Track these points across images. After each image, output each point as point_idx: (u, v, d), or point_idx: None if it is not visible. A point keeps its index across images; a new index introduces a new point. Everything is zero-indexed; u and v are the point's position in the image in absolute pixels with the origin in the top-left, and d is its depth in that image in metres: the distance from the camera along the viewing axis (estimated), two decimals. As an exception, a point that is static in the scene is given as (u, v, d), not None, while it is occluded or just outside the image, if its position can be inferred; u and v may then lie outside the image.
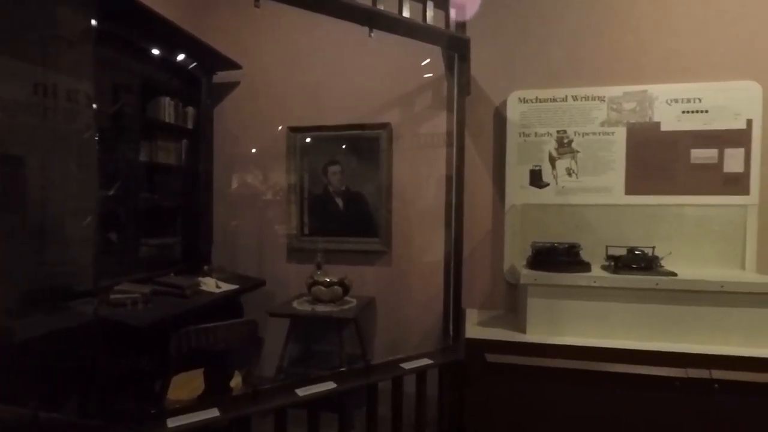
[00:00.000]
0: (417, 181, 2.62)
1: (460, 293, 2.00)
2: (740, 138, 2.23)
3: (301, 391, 1.43)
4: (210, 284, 2.35)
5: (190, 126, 2.66)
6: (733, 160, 2.23)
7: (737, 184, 2.23)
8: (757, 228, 2.22)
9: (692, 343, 1.92)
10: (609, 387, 1.92)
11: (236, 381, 1.94)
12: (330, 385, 1.47)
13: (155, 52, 2.30)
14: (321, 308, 2.41)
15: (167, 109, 2.47)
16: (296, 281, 2.72)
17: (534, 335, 2.06)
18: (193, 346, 1.75)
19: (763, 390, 1.80)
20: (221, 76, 2.82)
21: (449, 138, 1.95)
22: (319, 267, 2.59)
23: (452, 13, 1.72)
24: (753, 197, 2.22)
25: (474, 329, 2.18)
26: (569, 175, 2.39)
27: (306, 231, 2.79)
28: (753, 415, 1.82)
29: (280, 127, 2.79)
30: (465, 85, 1.95)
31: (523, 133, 2.44)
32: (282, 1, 1.46)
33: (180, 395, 1.86)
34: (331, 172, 2.73)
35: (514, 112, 2.45)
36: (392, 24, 1.57)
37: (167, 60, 2.40)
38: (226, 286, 2.40)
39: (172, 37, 2.30)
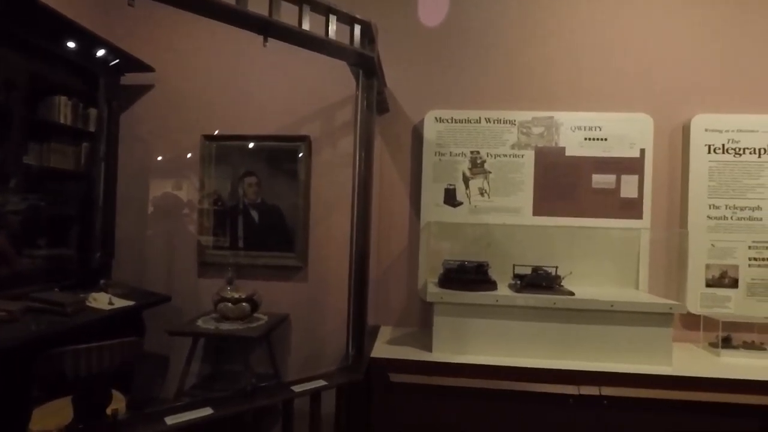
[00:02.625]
0: (335, 195, 2.58)
1: (364, 311, 1.96)
2: (635, 166, 2.38)
3: (171, 419, 1.31)
4: (101, 300, 2.16)
5: (92, 129, 2.48)
6: (628, 186, 2.38)
7: (632, 208, 2.38)
8: (649, 250, 2.37)
9: (585, 361, 1.99)
10: (509, 405, 1.94)
11: (117, 407, 1.77)
12: (205, 412, 1.37)
13: (46, 46, 2.12)
14: (226, 326, 2.28)
15: (63, 109, 2.29)
16: (207, 297, 2.56)
17: (440, 354, 2.05)
18: (63, 370, 1.58)
19: (648, 405, 1.88)
20: (131, 78, 2.66)
21: (357, 154, 1.92)
22: (229, 282, 2.47)
23: (356, 29, 1.70)
24: (645, 221, 2.37)
25: (381, 348, 2.15)
26: (482, 194, 2.44)
27: (219, 244, 2.65)
28: (639, 429, 1.90)
29: (195, 135, 2.66)
30: (374, 103, 1.94)
31: (439, 152, 2.47)
32: (170, 4, 1.39)
33: (47, 426, 1.67)
34: (246, 184, 2.63)
35: (430, 131, 2.48)
36: (289, 35, 1.53)
37: (62, 57, 2.22)
38: (120, 303, 2.22)
39: (67, 32, 2.13)
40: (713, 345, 2.23)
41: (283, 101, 2.62)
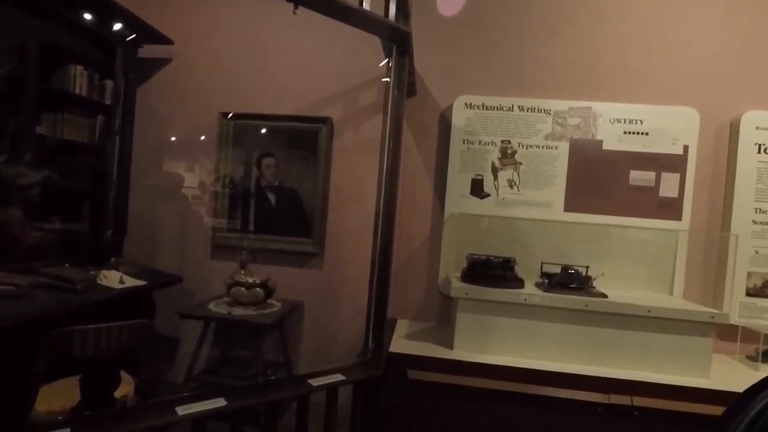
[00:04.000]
0: (356, 181, 2.47)
1: (385, 305, 1.86)
2: (676, 163, 2.23)
3: (183, 409, 1.23)
4: (112, 279, 2.09)
5: (107, 101, 2.39)
6: (668, 185, 2.23)
7: (671, 208, 2.23)
8: (687, 254, 2.23)
9: (617, 368, 1.88)
10: (532, 409, 1.84)
11: (125, 390, 1.70)
12: (219, 403, 1.29)
13: (61, 13, 2.02)
14: (239, 311, 2.20)
15: (78, 79, 2.20)
16: (220, 280, 2.49)
17: (461, 352, 1.96)
18: (71, 350, 1.51)
19: (683, 419, 1.77)
20: (149, 51, 2.56)
21: (385, 138, 1.81)
22: (243, 266, 2.39)
23: (392, 1, 1.58)
24: (684, 223, 2.23)
25: (400, 342, 2.05)
26: (511, 187, 2.32)
27: (233, 226, 2.57)
28: (670, 443, 1.79)
29: (214, 111, 2.56)
30: (405, 83, 1.82)
31: (468, 140, 2.35)
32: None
33: (52, 407, 1.61)
34: (264, 165, 2.53)
35: (459, 118, 2.35)
36: (321, 3, 1.41)
37: (78, 24, 2.12)
38: (131, 282, 2.15)
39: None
40: (751, 358, 2.10)
41: (305, 80, 2.51)
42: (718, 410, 1.76)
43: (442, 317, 2.41)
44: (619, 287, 2.19)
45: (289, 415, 2.26)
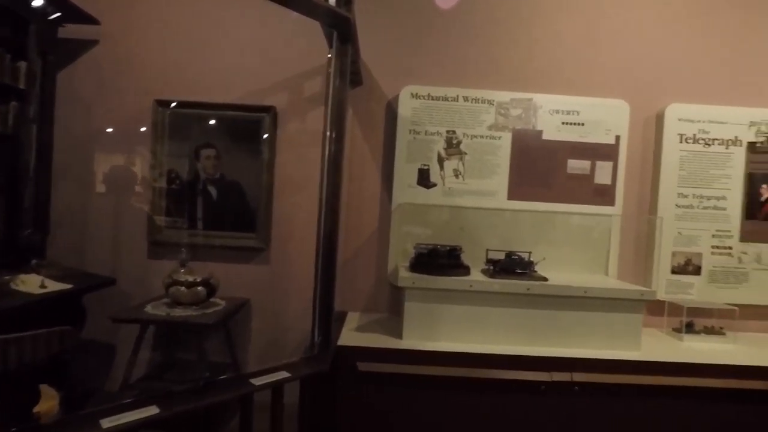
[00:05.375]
0: (302, 172, 2.40)
1: (331, 298, 1.83)
2: (609, 152, 2.36)
3: (109, 421, 1.14)
4: (31, 283, 1.90)
5: (21, 85, 2.16)
6: (602, 172, 2.36)
7: (605, 195, 2.36)
8: (620, 237, 2.37)
9: (558, 347, 1.96)
10: (480, 393, 1.89)
11: (48, 405, 1.56)
12: (150, 411, 1.20)
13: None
14: (179, 312, 2.08)
15: (-17, 60, 1.97)
16: (159, 280, 2.34)
17: (410, 341, 1.96)
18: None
19: (618, 390, 1.87)
20: (72, 31, 2.34)
21: (326, 128, 1.76)
22: (183, 264, 2.26)
23: (332, -15, 1.53)
24: (617, 208, 2.36)
25: (349, 335, 2.03)
26: (456, 176, 2.35)
27: (172, 223, 2.42)
28: (609, 414, 1.90)
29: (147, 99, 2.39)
30: (347, 71, 1.78)
31: (414, 130, 2.35)
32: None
33: (-39, 426, 1.44)
34: (204, 156, 2.40)
35: (405, 108, 2.34)
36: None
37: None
38: (55, 286, 1.97)
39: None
40: (677, 330, 2.27)
41: (247, 67, 2.40)
42: (648, 380, 1.88)
43: (392, 308, 2.41)
44: (560, 270, 2.29)
45: (236, 419, 2.18)
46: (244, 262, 2.44)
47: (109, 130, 2.43)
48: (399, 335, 2.00)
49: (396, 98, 2.37)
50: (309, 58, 2.37)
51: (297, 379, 1.61)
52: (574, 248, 2.35)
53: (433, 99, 2.34)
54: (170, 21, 2.40)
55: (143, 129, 2.40)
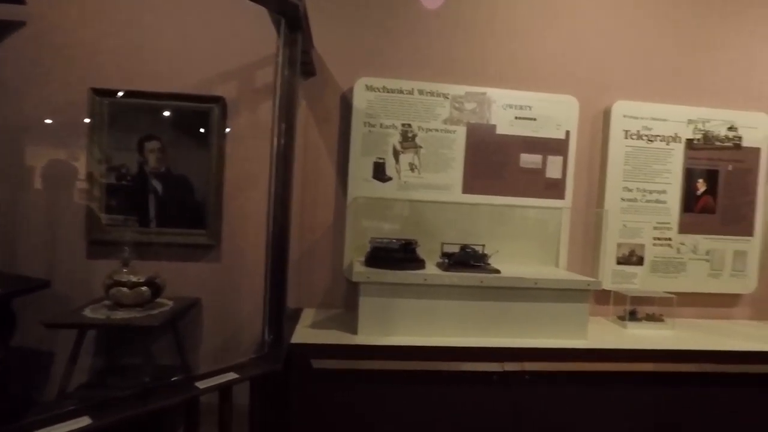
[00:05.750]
0: (254, 166, 2.32)
1: (283, 295, 1.78)
2: (560, 147, 2.42)
3: (35, 435, 1.05)
4: (-50, 286, 1.74)
5: (-65, 71, 1.96)
6: (553, 167, 2.41)
7: (556, 188, 2.42)
8: (569, 230, 2.44)
9: (510, 337, 2.01)
10: (435, 385, 1.90)
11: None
12: (82, 422, 1.12)
13: None
14: (121, 314, 1.97)
15: None
16: (100, 281, 2.21)
17: (365, 336, 1.95)
18: None
19: (564, 376, 1.94)
20: (-7, 11, 2.15)
21: (276, 119, 1.70)
22: (125, 264, 2.13)
23: (278, -30, 1.47)
24: (567, 201, 2.43)
25: (303, 332, 1.99)
26: (412, 170, 2.34)
27: (114, 220, 2.28)
28: (558, 401, 1.96)
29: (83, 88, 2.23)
30: (297, 61, 1.73)
31: (369, 123, 2.32)
32: None
33: None
34: (147, 149, 2.27)
35: (360, 100, 2.31)
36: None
37: None
38: (-22, 289, 1.81)
39: None
40: (621, 318, 2.37)
41: (194, 55, 2.28)
42: (594, 366, 1.96)
43: (348, 303, 2.39)
44: (513, 263, 2.34)
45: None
46: (193, 260, 2.34)
47: (41, 120, 2.25)
48: (354, 331, 1.98)
49: (351, 90, 2.33)
50: (261, 46, 2.27)
51: (246, 380, 1.55)
52: (526, 241, 2.41)
53: (388, 91, 2.31)
54: (103, 6, 2.24)
55: (79, 120, 2.24)
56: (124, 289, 1.99)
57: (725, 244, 2.53)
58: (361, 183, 2.32)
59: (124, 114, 2.24)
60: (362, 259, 2.17)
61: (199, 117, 2.28)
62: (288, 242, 1.80)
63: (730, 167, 2.51)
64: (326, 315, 2.28)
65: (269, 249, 1.75)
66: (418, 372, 1.88)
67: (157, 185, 2.30)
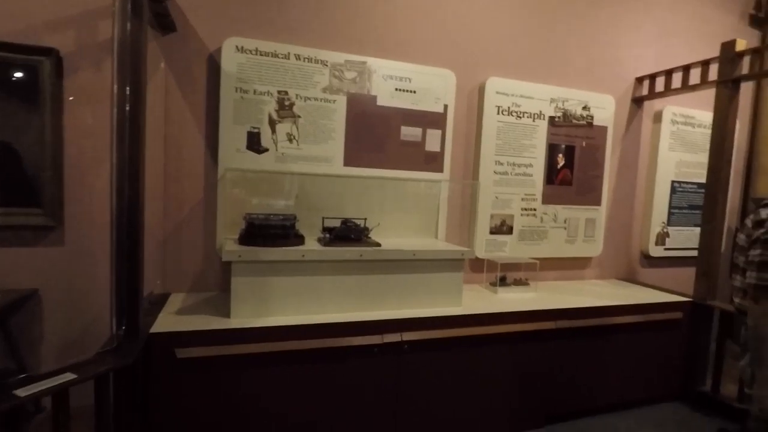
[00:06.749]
0: (102, 132, 1.99)
1: (138, 280, 1.57)
2: (439, 120, 2.46)
3: None
4: None
5: None
6: (432, 140, 2.46)
7: (435, 161, 2.48)
8: (447, 202, 2.53)
9: (390, 309, 2.03)
10: (315, 363, 1.85)
11: None
12: None
13: None
14: None
15: None
16: None
17: (239, 319, 1.82)
18: None
19: (441, 342, 2.02)
20: None
21: (116, 79, 1.45)
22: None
23: None
24: (446, 174, 2.50)
25: (167, 320, 1.80)
26: (290, 141, 2.21)
27: None
28: (436, 366, 2.04)
29: None
30: (144, 11, 1.48)
31: (241, 88, 2.12)
32: None
33: None
34: (-49, 109, 1.82)
35: (230, 63, 2.09)
36: None
37: None
38: None
39: None
40: (493, 284, 2.55)
41: (11, -6, 1.85)
42: (469, 331, 2.07)
43: (224, 285, 2.21)
44: (394, 235, 2.36)
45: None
46: (27, 245, 1.96)
47: None
48: (228, 314, 1.84)
49: (219, 51, 2.10)
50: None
51: (88, 380, 1.34)
52: (407, 214, 2.44)
53: (261, 54, 2.13)
54: None
55: None
56: None
57: (579, 213, 2.85)
58: (233, 154, 2.13)
59: None
60: (236, 237, 2.01)
61: (23, 71, 1.87)
62: (141, 221, 1.57)
63: (584, 143, 2.80)
64: (198, 299, 2.09)
65: (115, 230, 1.52)
66: (297, 352, 1.81)
67: (-31, 154, 1.86)
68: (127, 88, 1.50)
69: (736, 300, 1.54)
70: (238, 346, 1.75)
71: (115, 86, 1.45)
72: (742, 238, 1.53)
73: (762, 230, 1.40)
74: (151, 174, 1.94)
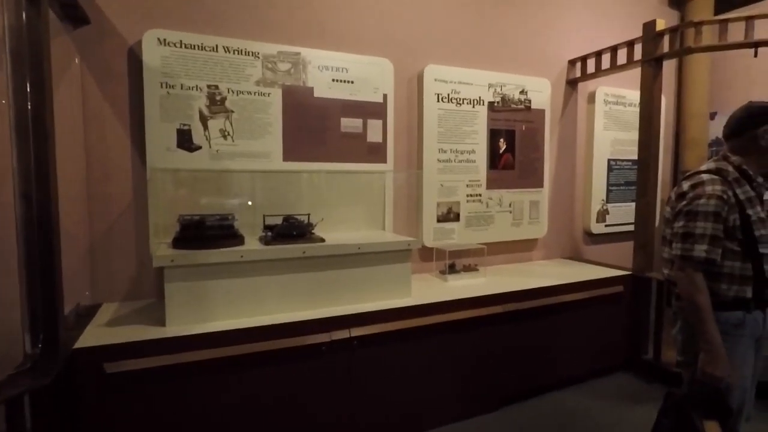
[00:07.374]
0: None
1: (56, 293, 1.44)
2: (379, 110, 2.44)
3: None
4: None
5: None
6: (374, 131, 2.43)
7: (378, 152, 2.45)
8: (393, 193, 2.51)
9: (337, 305, 1.98)
10: (259, 368, 1.78)
11: None
12: None
13: None
14: None
15: None
16: None
17: (175, 327, 1.73)
18: None
19: (391, 335, 2.00)
20: None
21: (9, 75, 1.32)
22: None
23: None
24: (389, 165, 2.48)
25: (94, 333, 1.67)
26: (224, 137, 2.11)
27: None
28: (387, 360, 2.01)
29: None
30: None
31: (167, 83, 2.00)
32: None
33: None
34: None
35: (152, 56, 1.97)
36: None
37: None
38: None
39: None
40: (442, 272, 2.56)
41: None
42: (419, 322, 2.05)
43: (161, 292, 2.07)
44: (340, 230, 2.32)
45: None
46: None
47: None
48: (163, 322, 1.74)
49: (139, 44, 1.97)
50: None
51: (-4, 407, 1.22)
52: (352, 207, 2.40)
53: (187, 47, 2.02)
54: None
55: None
56: None
57: (523, 196, 2.91)
58: (163, 153, 2.01)
59: None
60: (170, 240, 1.90)
61: None
62: (56, 227, 1.44)
63: (523, 127, 2.85)
64: (132, 308, 1.97)
65: (22, 238, 1.38)
66: (239, 357, 1.73)
67: None
68: (28, 84, 1.37)
69: (665, 271, 1.60)
70: (174, 355, 1.65)
71: (10, 83, 1.32)
72: (668, 210, 1.59)
73: (684, 202, 1.46)
74: (70, 176, 1.80)
